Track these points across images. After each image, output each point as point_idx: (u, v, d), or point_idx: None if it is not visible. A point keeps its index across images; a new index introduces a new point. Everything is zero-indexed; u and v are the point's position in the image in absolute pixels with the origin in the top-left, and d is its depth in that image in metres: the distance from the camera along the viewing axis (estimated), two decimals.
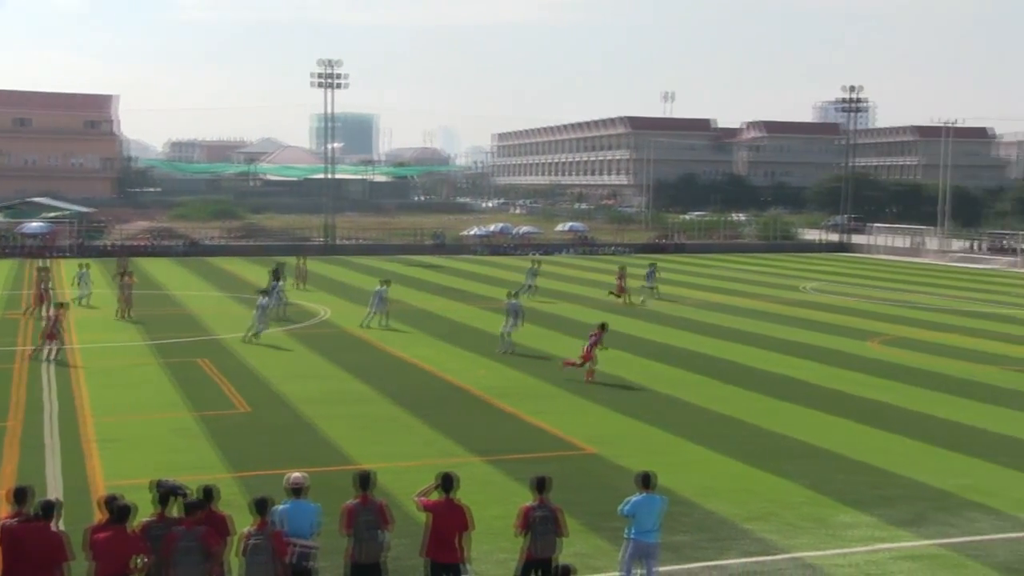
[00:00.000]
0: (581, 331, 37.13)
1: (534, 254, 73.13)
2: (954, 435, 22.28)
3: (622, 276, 46.75)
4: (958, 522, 16.46)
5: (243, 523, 11.86)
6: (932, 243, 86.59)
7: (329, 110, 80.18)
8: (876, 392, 26.82)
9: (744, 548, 15.20)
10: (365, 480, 12.34)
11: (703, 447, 21.04)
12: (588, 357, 27.86)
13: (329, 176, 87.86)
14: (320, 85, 78.41)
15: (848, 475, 19.06)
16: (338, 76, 78.22)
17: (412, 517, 15.47)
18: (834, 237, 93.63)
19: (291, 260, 53.11)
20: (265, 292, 37.07)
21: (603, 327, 28.53)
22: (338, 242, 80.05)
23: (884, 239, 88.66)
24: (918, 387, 27.63)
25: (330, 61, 78.14)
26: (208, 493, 11.94)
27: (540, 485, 12.56)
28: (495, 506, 16.61)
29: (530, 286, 48.10)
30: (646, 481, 13.01)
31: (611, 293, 46.75)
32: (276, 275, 41.63)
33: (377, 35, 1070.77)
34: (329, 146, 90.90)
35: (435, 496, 12.44)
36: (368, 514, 12.03)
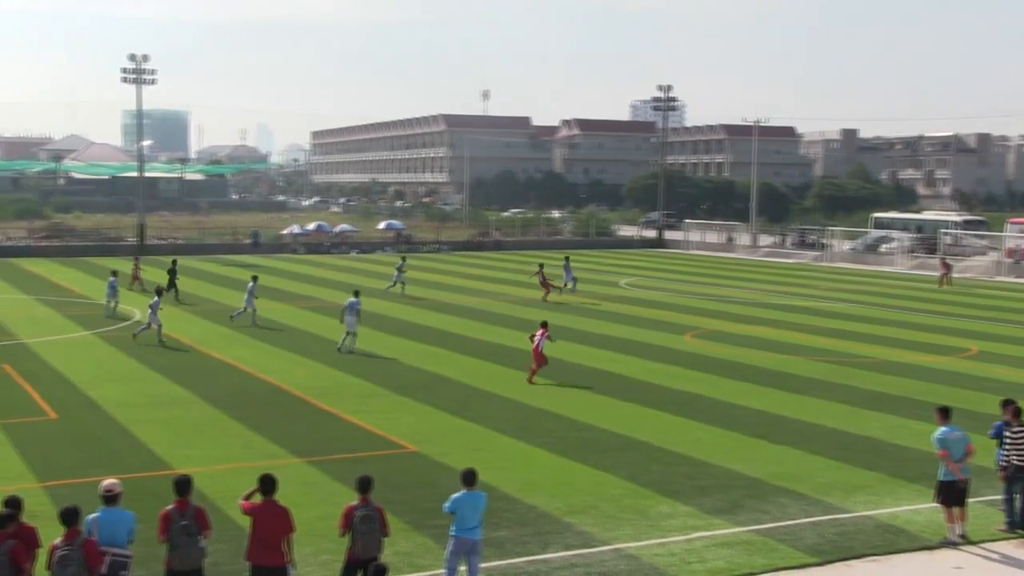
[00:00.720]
0: (400, 328, 37.05)
1: (397, 251, 73.24)
2: (764, 424, 23.09)
3: (541, 272, 48.00)
4: (769, 508, 17.05)
5: (54, 534, 11.31)
6: (743, 238, 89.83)
7: (139, 106, 77.53)
8: (690, 384, 27.59)
9: (566, 541, 15.36)
10: (181, 485, 11.96)
11: (523, 442, 21.21)
12: (538, 359, 27.45)
13: (140, 174, 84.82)
14: (129, 80, 75.63)
15: (665, 466, 19.51)
16: (148, 71, 75.61)
17: (233, 521, 15.10)
18: (650, 233, 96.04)
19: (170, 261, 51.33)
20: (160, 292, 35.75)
21: (544, 325, 28.16)
22: (151, 242, 77.48)
23: (698, 235, 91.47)
24: (730, 379, 28.55)
25: (139, 56, 75.44)
26: (14, 504, 11.34)
27: (363, 485, 12.43)
28: (317, 507, 16.36)
29: (398, 282, 49.34)
30: (468, 478, 13.01)
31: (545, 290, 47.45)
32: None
33: (188, 30, 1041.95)
34: (140, 143, 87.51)
35: (257, 499, 12.14)
36: (185, 520, 11.66)
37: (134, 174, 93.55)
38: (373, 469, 16.15)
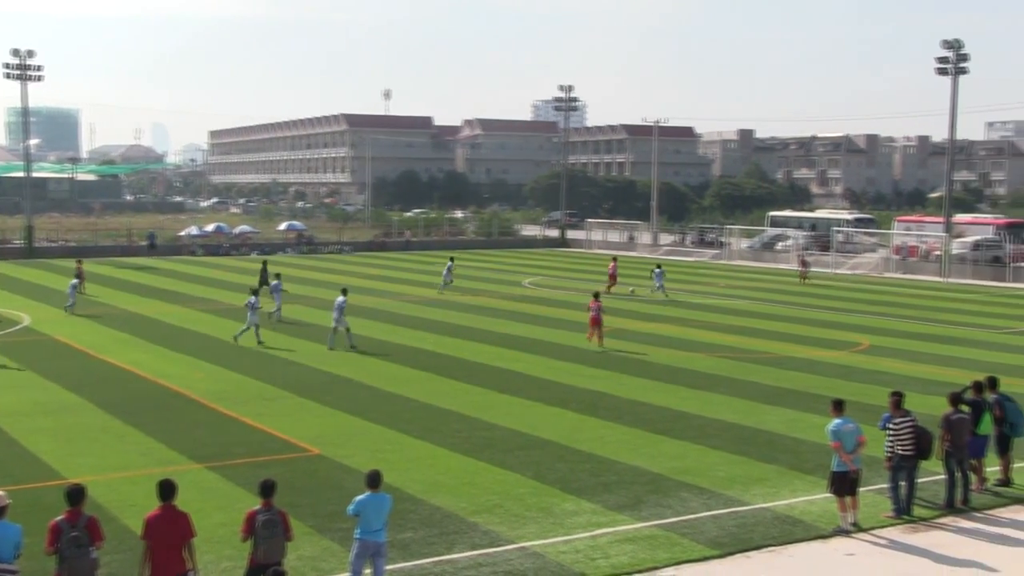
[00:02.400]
0: (301, 330, 36.66)
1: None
2: (666, 421, 23.37)
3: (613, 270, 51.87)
4: (672, 503, 17.26)
5: None
6: (644, 237, 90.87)
7: (25, 104, 75.40)
8: (593, 382, 27.80)
9: (472, 541, 15.36)
10: (73, 495, 11.65)
11: (428, 443, 21.14)
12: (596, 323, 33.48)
13: (27, 174, 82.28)
14: (13, 77, 73.29)
15: (569, 464, 19.63)
16: (33, 68, 73.36)
17: (131, 531, 14.78)
18: (552, 233, 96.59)
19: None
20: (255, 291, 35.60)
21: (596, 296, 34.55)
22: (40, 244, 75.41)
23: (600, 234, 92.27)
24: (633, 376, 28.85)
25: (23, 51, 73.07)
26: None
27: (266, 489, 12.26)
28: (218, 513, 16.11)
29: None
30: (373, 480, 12.93)
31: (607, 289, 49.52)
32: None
33: (77, 25, 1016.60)
34: (27, 142, 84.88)
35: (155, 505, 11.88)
36: (76, 531, 11.35)
37: (21, 174, 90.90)
38: (275, 473, 15.95)
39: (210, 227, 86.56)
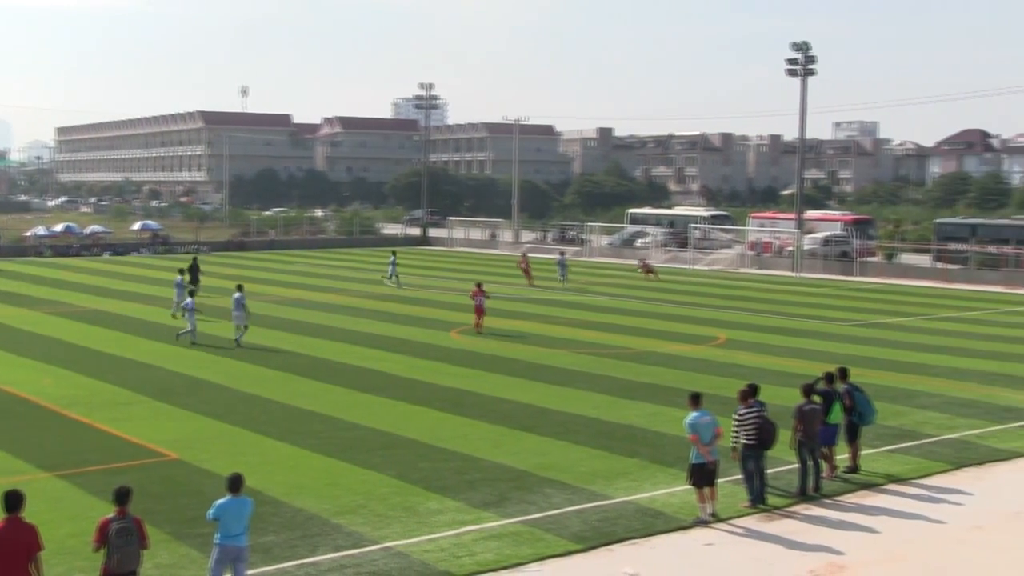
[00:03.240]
0: (156, 332, 35.69)
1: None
2: (529, 417, 23.51)
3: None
4: (536, 499, 17.37)
5: None
6: (505, 235, 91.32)
7: None
8: (456, 380, 27.80)
9: (336, 543, 15.18)
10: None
11: (289, 444, 20.82)
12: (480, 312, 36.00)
13: None
14: None
15: (433, 463, 19.57)
16: None
17: None
18: (414, 231, 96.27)
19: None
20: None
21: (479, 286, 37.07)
22: None
23: (461, 232, 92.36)
24: (495, 373, 28.94)
25: None
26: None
27: (120, 496, 11.89)
28: (69, 523, 15.55)
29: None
30: (234, 484, 12.67)
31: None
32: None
33: None
34: None
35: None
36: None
37: None
38: (131, 479, 15.50)
39: (59, 227, 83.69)
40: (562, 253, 53.11)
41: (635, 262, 62.02)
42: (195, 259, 51.32)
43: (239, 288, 34.85)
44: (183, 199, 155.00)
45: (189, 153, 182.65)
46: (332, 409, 24.04)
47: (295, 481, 18.26)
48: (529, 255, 60.46)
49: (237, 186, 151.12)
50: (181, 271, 42.05)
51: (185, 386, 26.63)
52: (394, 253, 56.22)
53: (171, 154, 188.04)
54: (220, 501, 12.63)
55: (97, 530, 11.78)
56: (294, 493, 17.51)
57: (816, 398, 18.36)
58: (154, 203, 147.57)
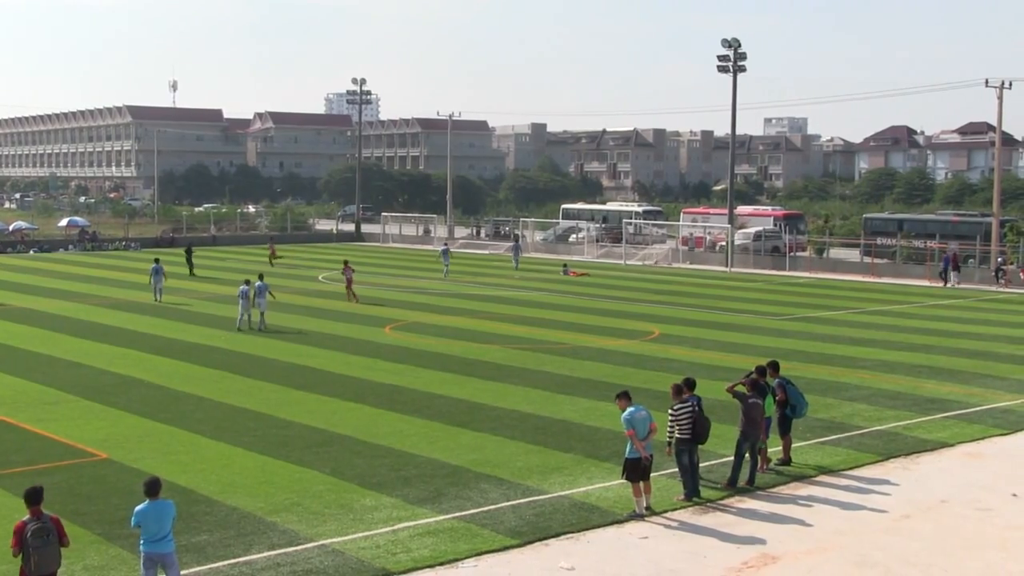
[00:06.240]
0: (85, 329, 35.10)
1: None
2: (464, 412, 23.49)
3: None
4: (471, 495, 17.36)
5: None
6: (439, 231, 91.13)
7: None
8: (391, 376, 27.69)
9: (270, 541, 15.04)
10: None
11: (222, 443, 20.60)
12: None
13: None
14: None
15: (368, 459, 19.48)
16: None
17: None
18: (348, 227, 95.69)
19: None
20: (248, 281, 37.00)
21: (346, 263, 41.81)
22: None
23: (395, 228, 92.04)
24: (430, 369, 28.87)
25: None
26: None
27: (31, 497, 11.66)
28: None
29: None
30: (151, 488, 12.40)
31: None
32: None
33: None
34: None
35: None
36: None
37: None
38: (59, 480, 15.23)
39: None
40: (446, 243, 53.22)
41: (562, 267, 61.79)
42: (189, 247, 58.51)
43: (260, 277, 38.04)
44: (112, 195, 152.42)
45: (117, 148, 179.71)
46: (265, 406, 23.82)
47: (228, 479, 18.07)
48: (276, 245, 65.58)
49: (167, 182, 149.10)
50: (247, 282, 37.14)
51: (114, 384, 26.22)
52: (447, 243, 57.18)
53: (99, 149, 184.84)
54: (139, 507, 12.38)
55: (14, 534, 11.53)
56: (227, 491, 17.32)
57: (741, 387, 18.48)
58: (82, 199, 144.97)
